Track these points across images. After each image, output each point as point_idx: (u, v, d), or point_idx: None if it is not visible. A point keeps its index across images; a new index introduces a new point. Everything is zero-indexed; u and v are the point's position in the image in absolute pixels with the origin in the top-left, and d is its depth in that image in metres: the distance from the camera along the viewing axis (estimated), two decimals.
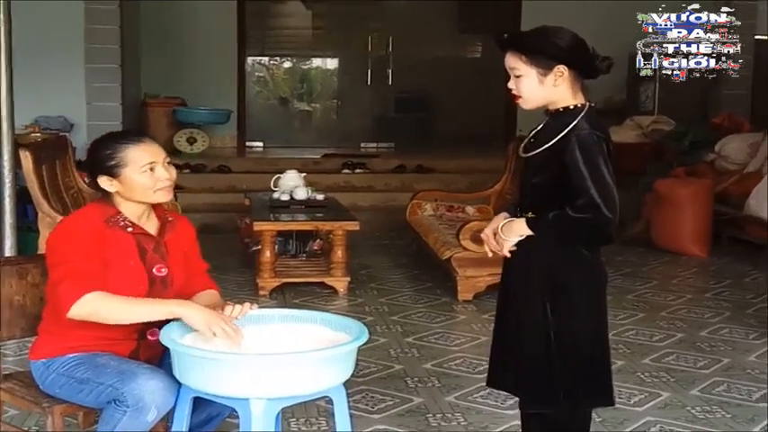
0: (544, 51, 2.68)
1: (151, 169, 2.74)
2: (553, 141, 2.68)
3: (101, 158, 2.76)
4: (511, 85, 2.77)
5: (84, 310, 2.59)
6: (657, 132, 9.57)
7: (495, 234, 2.80)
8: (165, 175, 2.77)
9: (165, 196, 2.80)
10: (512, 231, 2.74)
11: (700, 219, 7.49)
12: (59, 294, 2.61)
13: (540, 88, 2.70)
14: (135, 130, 2.95)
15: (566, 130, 2.65)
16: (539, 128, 2.81)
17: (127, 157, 2.73)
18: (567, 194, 2.62)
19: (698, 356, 4.73)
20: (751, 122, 9.27)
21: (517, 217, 2.78)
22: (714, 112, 9.77)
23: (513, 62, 2.72)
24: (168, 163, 2.81)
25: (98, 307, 2.60)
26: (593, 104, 2.74)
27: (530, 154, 2.77)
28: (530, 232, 2.71)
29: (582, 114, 2.67)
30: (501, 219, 2.83)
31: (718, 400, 4.08)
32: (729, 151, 8.39)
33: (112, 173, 2.75)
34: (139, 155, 2.74)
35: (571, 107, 2.71)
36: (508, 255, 2.78)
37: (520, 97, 2.75)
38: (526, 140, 2.84)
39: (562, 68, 2.67)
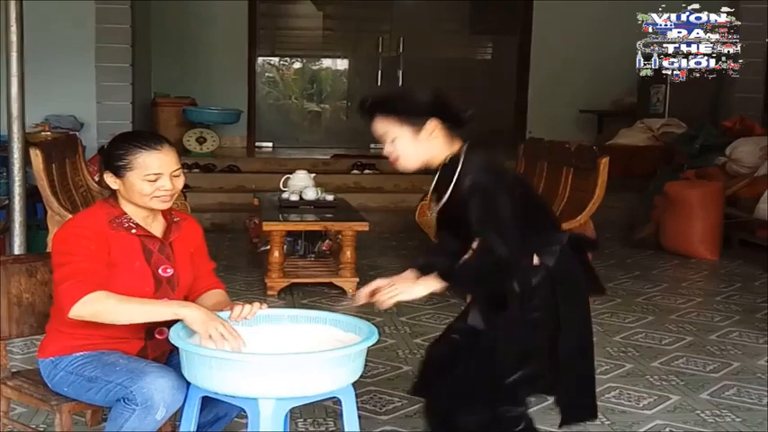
0: (412, 110, 2.70)
1: (155, 179, 2.74)
2: (446, 197, 2.68)
3: (112, 156, 2.76)
4: (386, 150, 2.76)
5: (85, 310, 2.58)
6: (668, 135, 9.55)
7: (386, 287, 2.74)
8: (167, 186, 2.75)
9: (160, 204, 2.78)
10: (413, 291, 2.69)
11: (710, 222, 7.46)
12: (61, 294, 2.61)
13: (416, 146, 2.71)
14: (156, 135, 2.86)
15: (452, 183, 2.65)
16: (432, 185, 2.81)
17: (136, 161, 2.72)
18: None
19: (708, 360, 4.70)
20: (762, 126, 9.24)
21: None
22: (725, 116, 9.74)
23: (385, 127, 2.73)
24: (176, 175, 2.78)
25: (100, 307, 2.59)
26: (470, 142, 2.72)
27: (435, 212, 2.78)
28: (437, 287, 2.68)
29: (461, 160, 2.66)
30: (408, 279, 2.78)
31: (727, 403, 4.06)
32: (740, 154, 8.36)
33: (118, 173, 2.75)
34: (149, 162, 2.72)
35: (452, 155, 2.71)
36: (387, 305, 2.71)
37: (398, 159, 2.75)
38: (428, 198, 2.84)
39: (433, 122, 2.69)
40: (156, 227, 2.85)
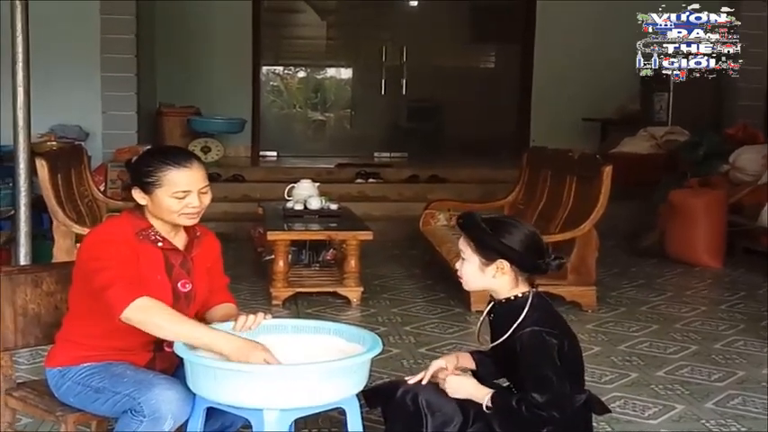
0: (488, 246, 2.77)
1: (184, 197, 2.75)
2: (503, 338, 2.77)
3: (141, 172, 2.77)
4: (457, 265, 2.88)
5: (137, 314, 2.57)
6: (671, 143, 9.55)
7: (441, 370, 2.85)
8: (195, 203, 2.76)
9: (187, 221, 2.80)
10: (464, 391, 2.79)
11: (714, 230, 7.45)
12: (111, 297, 2.58)
13: (481, 276, 2.81)
14: (185, 152, 2.87)
15: (511, 329, 2.74)
16: (492, 316, 2.90)
17: (165, 178, 2.73)
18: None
19: (712, 369, 4.70)
20: (765, 134, 9.23)
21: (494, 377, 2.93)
22: (728, 123, 9.75)
23: (463, 245, 2.84)
24: (204, 192, 2.79)
25: (151, 313, 2.58)
26: (536, 290, 2.82)
27: (492, 345, 2.88)
28: (480, 400, 2.75)
29: (526, 309, 2.74)
30: (454, 360, 2.92)
31: (732, 413, 4.04)
32: (744, 162, 8.36)
33: (146, 189, 2.76)
34: (177, 180, 2.73)
35: (512, 298, 2.80)
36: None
37: (462, 278, 2.87)
38: (483, 320, 2.96)
39: (503, 263, 2.76)
40: (179, 240, 2.87)
